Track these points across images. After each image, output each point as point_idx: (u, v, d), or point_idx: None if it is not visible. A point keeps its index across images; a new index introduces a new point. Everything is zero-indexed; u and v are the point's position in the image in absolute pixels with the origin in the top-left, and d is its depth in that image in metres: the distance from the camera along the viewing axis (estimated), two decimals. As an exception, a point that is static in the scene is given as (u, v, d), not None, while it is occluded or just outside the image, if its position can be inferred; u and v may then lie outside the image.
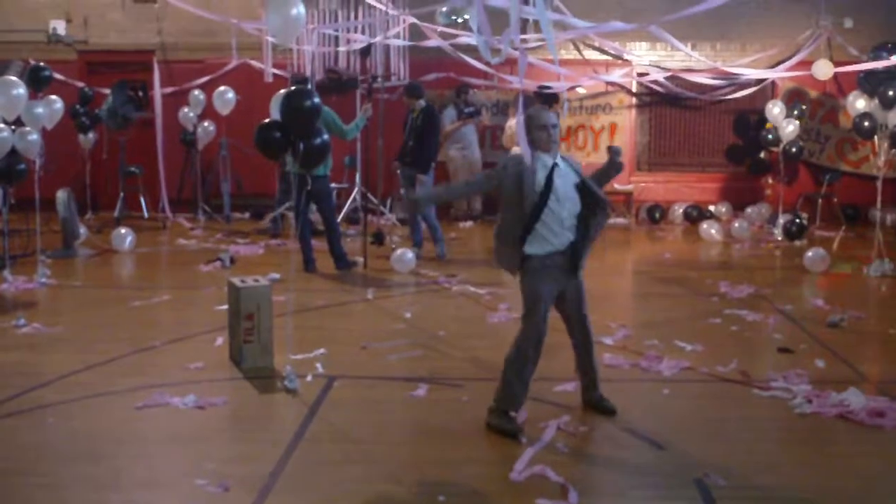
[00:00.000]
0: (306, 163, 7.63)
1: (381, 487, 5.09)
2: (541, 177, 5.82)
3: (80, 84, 15.80)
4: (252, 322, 7.21)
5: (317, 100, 7.56)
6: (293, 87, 7.72)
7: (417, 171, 12.01)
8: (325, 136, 7.70)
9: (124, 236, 12.78)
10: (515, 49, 9.65)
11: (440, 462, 5.49)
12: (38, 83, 11.40)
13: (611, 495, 5.08)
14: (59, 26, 16.32)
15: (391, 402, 6.61)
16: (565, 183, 5.86)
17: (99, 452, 5.58)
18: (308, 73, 14.38)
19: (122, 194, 15.04)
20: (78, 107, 14.74)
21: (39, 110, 10.60)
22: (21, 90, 10.00)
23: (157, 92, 15.63)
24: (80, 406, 6.42)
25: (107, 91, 14.94)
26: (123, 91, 14.52)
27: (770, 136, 15.18)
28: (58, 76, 13.67)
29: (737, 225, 14.35)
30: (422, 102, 12.12)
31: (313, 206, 11.53)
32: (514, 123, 14.66)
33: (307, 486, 5.13)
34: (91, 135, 15.22)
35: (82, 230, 12.98)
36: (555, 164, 5.89)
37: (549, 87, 14.37)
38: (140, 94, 15.22)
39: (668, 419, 6.26)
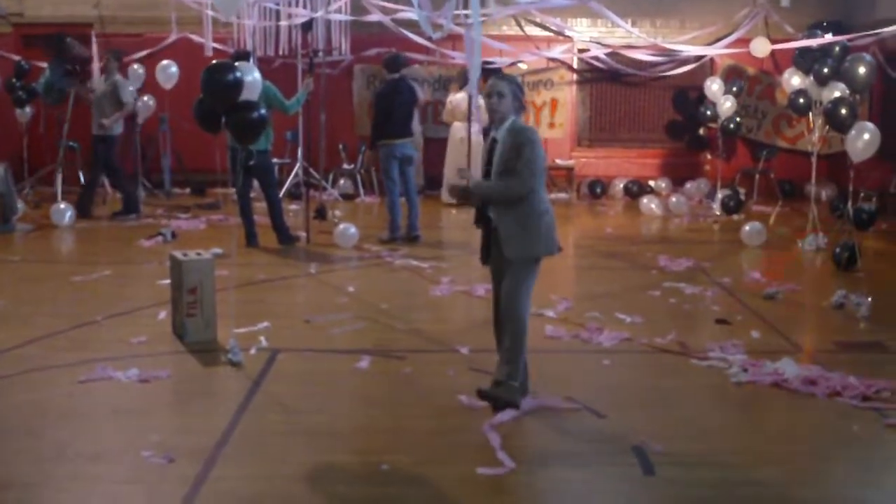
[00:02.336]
0: (239, 137, 7.60)
1: (326, 457, 5.14)
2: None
3: (16, 57, 15.55)
4: (195, 296, 7.20)
5: (239, 74, 7.44)
6: (215, 62, 7.63)
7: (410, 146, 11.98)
8: (262, 111, 7.63)
9: (63, 211, 12.64)
10: (458, 25, 9.71)
11: (383, 431, 5.55)
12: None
13: (552, 462, 5.16)
14: (-6, -2, 16.05)
15: (335, 374, 6.65)
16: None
17: (41, 426, 5.56)
18: (249, 47, 14.30)
19: (59, 170, 14.86)
20: (14, 80, 14.52)
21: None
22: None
23: (96, 66, 15.41)
24: (22, 380, 6.38)
25: (43, 65, 14.71)
26: (60, 65, 14.31)
27: (708, 112, 15.38)
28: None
29: (674, 199, 14.55)
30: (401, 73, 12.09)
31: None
32: (456, 98, 14.72)
33: (252, 456, 5.16)
34: (28, 109, 15.01)
35: (20, 205, 12.82)
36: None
37: (492, 63, 14.43)
38: (77, 68, 14.99)
39: (608, 389, 6.37)
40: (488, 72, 13.30)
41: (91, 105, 13.48)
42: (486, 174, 5.81)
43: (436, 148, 15.70)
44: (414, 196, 11.97)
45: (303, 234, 11.57)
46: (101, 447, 5.28)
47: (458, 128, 14.66)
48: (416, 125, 12.47)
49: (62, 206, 12.76)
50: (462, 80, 14.48)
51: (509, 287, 5.78)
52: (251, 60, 11.08)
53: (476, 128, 14.01)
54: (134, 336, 7.38)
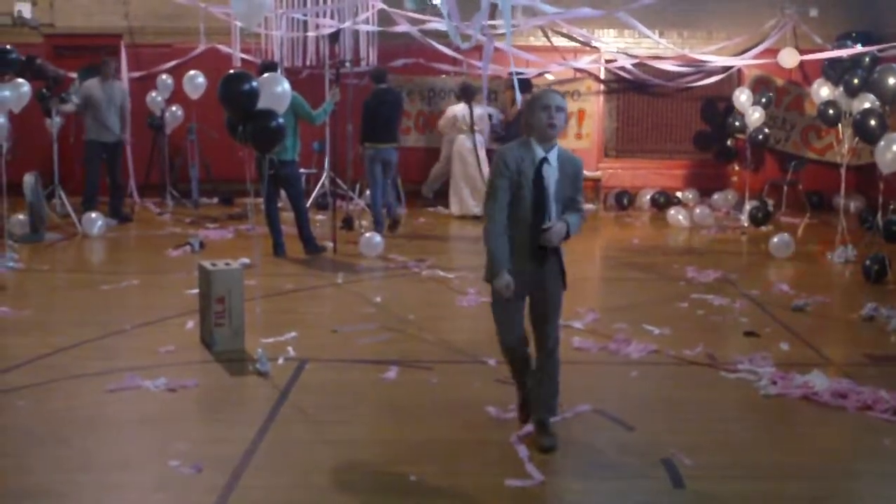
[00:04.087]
0: (258, 146, 7.61)
1: (353, 468, 5.14)
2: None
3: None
4: (223, 305, 7.22)
5: (255, 84, 7.46)
6: (231, 72, 7.65)
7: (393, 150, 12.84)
8: (280, 120, 7.63)
9: (94, 220, 12.71)
10: (484, 35, 9.71)
11: (411, 442, 5.54)
12: (4, 66, 11.28)
13: (580, 475, 5.14)
14: (25, 9, 16.16)
15: (362, 384, 6.65)
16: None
17: (70, 434, 5.58)
18: (276, 58, 14.36)
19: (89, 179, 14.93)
20: (45, 90, 14.62)
21: (6, 93, 10.51)
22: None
23: (125, 76, 15.52)
24: (50, 389, 6.42)
25: (73, 75, 14.82)
26: (90, 75, 14.39)
27: (737, 124, 15.31)
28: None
29: (698, 211, 14.47)
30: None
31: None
32: (456, 109, 14.66)
33: (280, 466, 5.17)
34: (58, 119, 15.10)
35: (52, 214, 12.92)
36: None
37: (522, 74, 14.42)
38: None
39: (637, 401, 6.34)
40: (522, 83, 13.30)
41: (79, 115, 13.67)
42: (538, 196, 5.23)
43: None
44: (394, 191, 13.41)
45: (330, 244, 11.60)
46: (129, 456, 5.29)
47: (462, 140, 14.59)
48: None
49: (92, 215, 12.82)
50: (465, 93, 14.50)
51: (556, 319, 5.54)
52: (279, 71, 11.12)
53: (479, 139, 14.19)
54: (162, 345, 7.41)
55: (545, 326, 5.46)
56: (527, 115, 5.27)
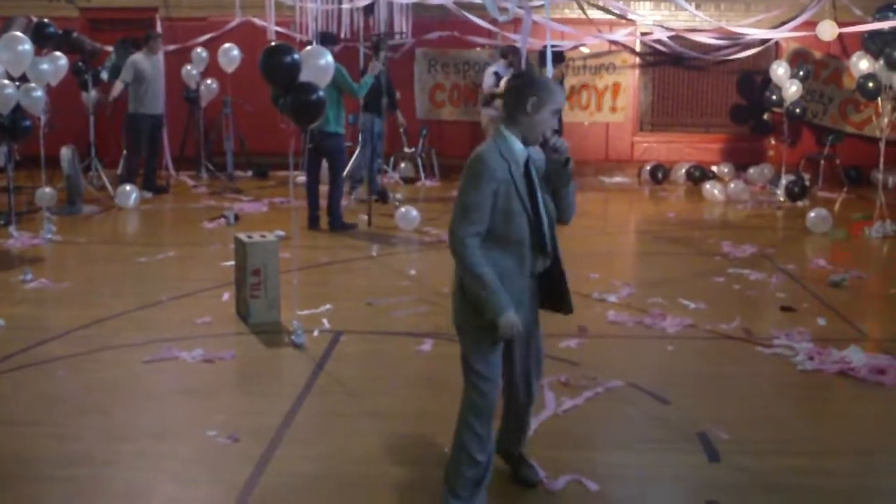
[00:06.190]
0: (297, 119, 7.60)
1: (388, 439, 5.17)
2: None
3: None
4: (259, 277, 7.26)
5: (296, 56, 7.42)
6: (272, 44, 7.62)
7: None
8: (321, 93, 7.59)
9: (129, 193, 12.80)
10: (521, 8, 9.67)
11: (445, 414, 5.52)
12: (43, 40, 11.35)
13: (616, 448, 5.14)
14: (61, -17, 16.24)
15: (397, 356, 6.68)
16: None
17: (110, 404, 5.65)
18: (311, 31, 14.35)
19: (125, 152, 15.01)
20: (81, 64, 14.70)
21: (44, 67, 10.56)
22: (27, 46, 9.97)
23: (160, 49, 15.56)
24: (90, 359, 6.49)
25: (110, 48, 14.89)
26: (126, 49, 14.45)
27: (773, 97, 15.16)
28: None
29: (733, 185, 14.35)
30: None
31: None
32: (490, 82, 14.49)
33: (315, 437, 5.20)
34: (94, 92, 15.18)
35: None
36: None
37: (558, 46, 14.30)
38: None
39: (673, 375, 6.32)
40: (556, 55, 13.20)
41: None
42: (535, 207, 4.17)
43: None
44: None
45: (364, 218, 11.61)
46: (167, 426, 5.35)
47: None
48: None
49: (127, 187, 12.91)
50: (509, 59, 14.22)
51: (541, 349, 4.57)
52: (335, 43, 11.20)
53: None
54: (198, 317, 7.46)
55: (533, 384, 4.55)
56: (526, 108, 4.08)
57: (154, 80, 13.79)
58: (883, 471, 4.94)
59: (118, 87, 13.71)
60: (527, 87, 4.11)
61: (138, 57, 13.74)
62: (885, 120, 12.20)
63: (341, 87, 10.92)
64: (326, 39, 11.21)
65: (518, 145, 4.12)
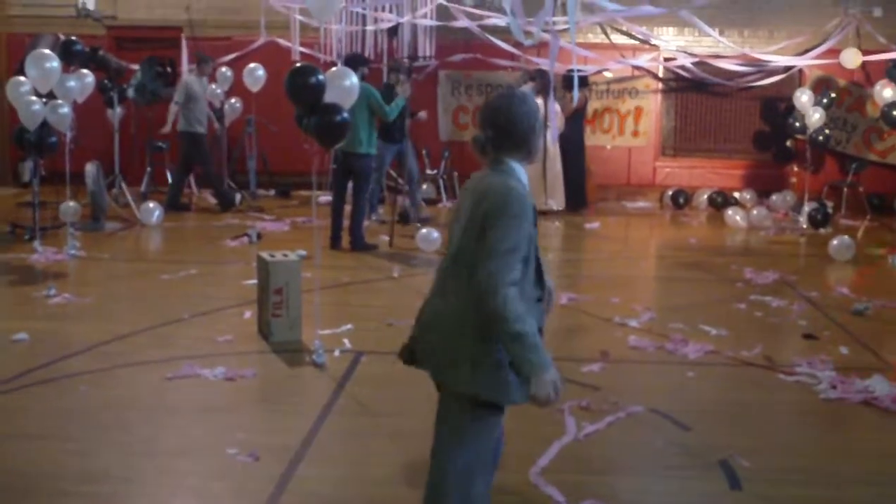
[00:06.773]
0: (321, 140, 7.62)
1: (409, 459, 5.16)
2: None
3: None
4: (281, 296, 7.28)
5: (321, 77, 7.46)
6: (298, 65, 7.68)
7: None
8: (345, 115, 7.57)
9: (152, 210, 12.87)
10: (547, 31, 9.70)
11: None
12: (70, 57, 11.46)
13: (638, 474, 5.13)
14: (89, 1, 16.34)
15: (417, 377, 6.58)
16: None
17: (130, 420, 5.68)
18: (335, 53, 14.43)
19: (148, 169, 15.11)
20: (107, 81, 14.82)
21: (71, 84, 10.66)
22: (55, 63, 10.07)
23: (185, 68, 15.67)
24: (111, 375, 6.52)
25: (135, 67, 15.00)
26: (152, 67, 14.57)
27: (797, 124, 15.14)
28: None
29: (755, 212, 14.30)
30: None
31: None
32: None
33: (336, 457, 5.21)
34: (119, 109, 15.30)
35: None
36: None
37: (581, 71, 14.31)
38: (168, 70, 15.25)
39: (694, 401, 6.30)
40: (580, 80, 13.19)
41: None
42: (536, 250, 3.78)
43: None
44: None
45: (385, 239, 11.63)
46: (188, 443, 5.37)
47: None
48: None
49: (150, 205, 12.98)
50: (543, 85, 14.19)
51: None
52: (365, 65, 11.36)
53: (552, 136, 13.99)
54: (220, 335, 7.49)
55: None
56: (526, 134, 3.68)
57: (203, 101, 14.02)
58: (906, 502, 4.90)
59: (173, 109, 13.88)
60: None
61: (191, 79, 13.98)
62: (910, 148, 12.16)
63: (373, 109, 10.96)
64: (357, 61, 11.26)
65: (525, 176, 3.71)
